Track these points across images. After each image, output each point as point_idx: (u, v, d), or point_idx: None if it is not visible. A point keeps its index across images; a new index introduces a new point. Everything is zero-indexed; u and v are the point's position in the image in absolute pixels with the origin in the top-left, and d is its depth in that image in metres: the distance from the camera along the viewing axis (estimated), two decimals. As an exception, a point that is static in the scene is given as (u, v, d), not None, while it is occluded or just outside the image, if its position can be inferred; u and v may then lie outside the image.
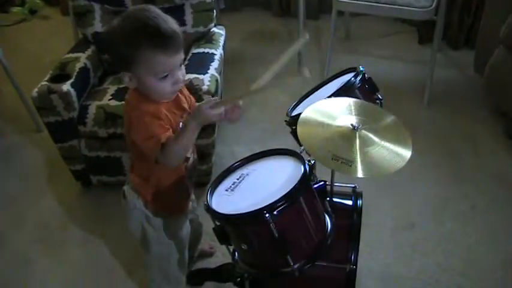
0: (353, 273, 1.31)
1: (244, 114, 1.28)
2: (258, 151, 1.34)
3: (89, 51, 2.18)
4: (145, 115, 1.23)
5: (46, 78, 1.98)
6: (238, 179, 1.28)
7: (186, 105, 1.37)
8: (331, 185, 1.42)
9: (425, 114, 2.56)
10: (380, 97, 1.45)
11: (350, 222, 1.39)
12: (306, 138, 1.22)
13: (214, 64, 2.07)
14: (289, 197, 1.12)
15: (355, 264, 1.32)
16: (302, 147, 1.26)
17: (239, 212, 1.14)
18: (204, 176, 2.06)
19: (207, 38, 2.27)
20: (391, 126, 1.28)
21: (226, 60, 2.31)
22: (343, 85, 1.40)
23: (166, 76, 1.22)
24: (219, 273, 1.71)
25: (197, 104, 1.41)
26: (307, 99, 1.55)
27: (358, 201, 1.44)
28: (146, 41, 1.17)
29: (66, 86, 1.94)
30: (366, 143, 1.20)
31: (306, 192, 1.17)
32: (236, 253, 1.30)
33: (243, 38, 3.32)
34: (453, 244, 1.88)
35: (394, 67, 2.99)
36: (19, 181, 2.32)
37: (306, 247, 1.20)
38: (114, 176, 2.11)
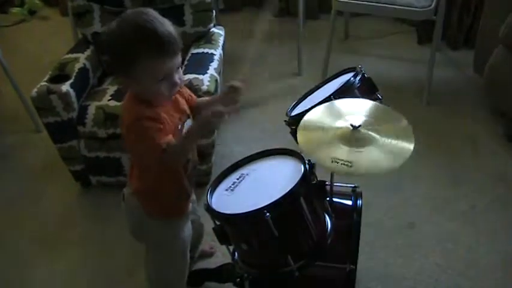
0: (353, 273, 1.31)
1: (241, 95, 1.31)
2: (258, 151, 1.34)
3: (88, 52, 2.19)
4: (143, 120, 1.22)
5: (45, 79, 1.98)
6: (238, 179, 1.28)
7: (185, 107, 1.37)
8: (331, 185, 1.42)
9: (424, 114, 2.55)
10: (379, 97, 1.45)
11: (350, 222, 1.39)
12: (306, 144, 1.22)
13: (214, 64, 2.07)
14: (290, 197, 1.12)
15: (355, 264, 1.33)
16: (302, 148, 1.26)
17: (239, 212, 1.14)
18: (204, 176, 2.06)
19: (207, 38, 2.27)
20: (394, 125, 1.27)
21: (225, 60, 2.31)
22: (343, 85, 1.40)
23: (163, 79, 1.21)
24: (219, 273, 1.70)
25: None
26: (306, 99, 1.55)
27: (358, 201, 1.44)
28: (143, 45, 1.17)
29: (66, 87, 1.94)
30: (366, 142, 1.19)
31: (306, 192, 1.17)
32: (236, 253, 1.30)
33: (242, 38, 3.31)
34: (453, 244, 1.88)
35: (393, 67, 2.98)
36: (18, 181, 2.32)
37: (305, 247, 1.20)
38: (113, 176, 2.11)
